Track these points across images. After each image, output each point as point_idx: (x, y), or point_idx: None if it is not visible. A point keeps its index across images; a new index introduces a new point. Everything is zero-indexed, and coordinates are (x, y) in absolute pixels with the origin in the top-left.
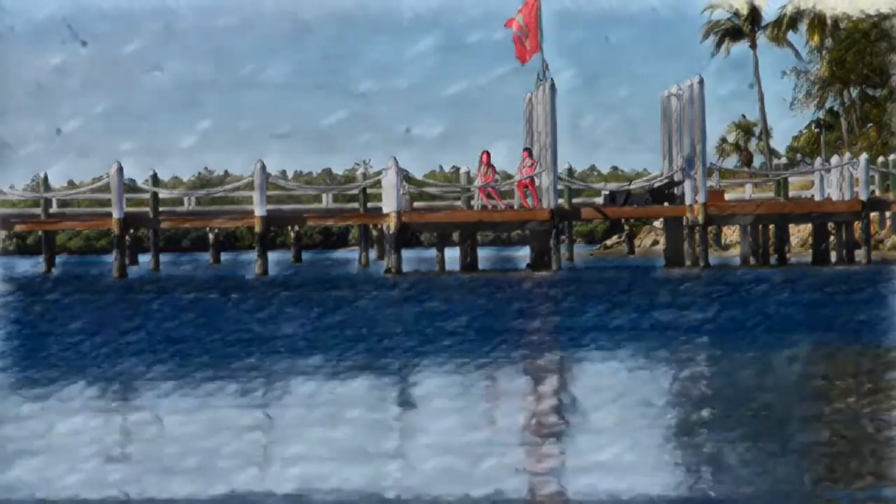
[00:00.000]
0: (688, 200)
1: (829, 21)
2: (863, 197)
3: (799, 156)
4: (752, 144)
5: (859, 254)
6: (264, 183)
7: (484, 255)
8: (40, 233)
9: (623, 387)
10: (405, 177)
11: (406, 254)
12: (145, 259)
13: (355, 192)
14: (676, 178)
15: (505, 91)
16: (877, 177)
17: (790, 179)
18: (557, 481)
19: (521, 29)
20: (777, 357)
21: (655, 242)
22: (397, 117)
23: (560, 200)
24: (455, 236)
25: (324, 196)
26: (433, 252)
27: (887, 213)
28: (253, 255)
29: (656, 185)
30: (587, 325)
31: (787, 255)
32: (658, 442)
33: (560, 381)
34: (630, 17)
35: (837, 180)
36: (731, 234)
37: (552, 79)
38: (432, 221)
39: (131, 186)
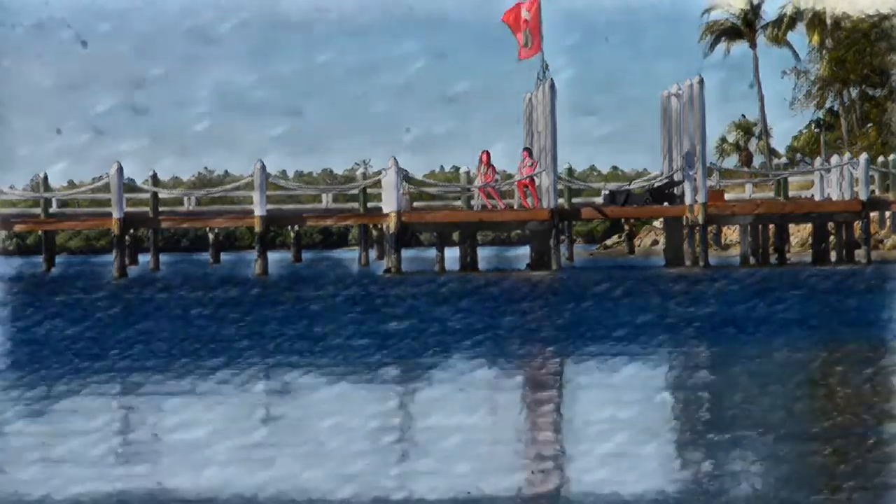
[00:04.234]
0: (688, 200)
1: (829, 21)
2: (863, 197)
3: (799, 156)
4: (752, 144)
5: (859, 253)
6: (264, 183)
7: (484, 255)
8: (40, 233)
9: (623, 387)
10: (405, 177)
11: (406, 254)
12: (145, 259)
13: (355, 192)
14: (676, 177)
15: (505, 91)
16: (877, 177)
17: (790, 179)
18: (559, 482)
19: (525, 25)
20: (776, 356)
21: (655, 242)
22: (397, 117)
23: (560, 200)
24: (455, 236)
25: (324, 196)
26: (433, 252)
27: (887, 213)
28: (253, 255)
29: (656, 184)
30: (587, 324)
31: (787, 255)
32: (657, 442)
33: (560, 382)
34: (630, 16)
35: (837, 180)
36: (731, 233)
37: (552, 79)
38: (432, 221)
39: (131, 186)
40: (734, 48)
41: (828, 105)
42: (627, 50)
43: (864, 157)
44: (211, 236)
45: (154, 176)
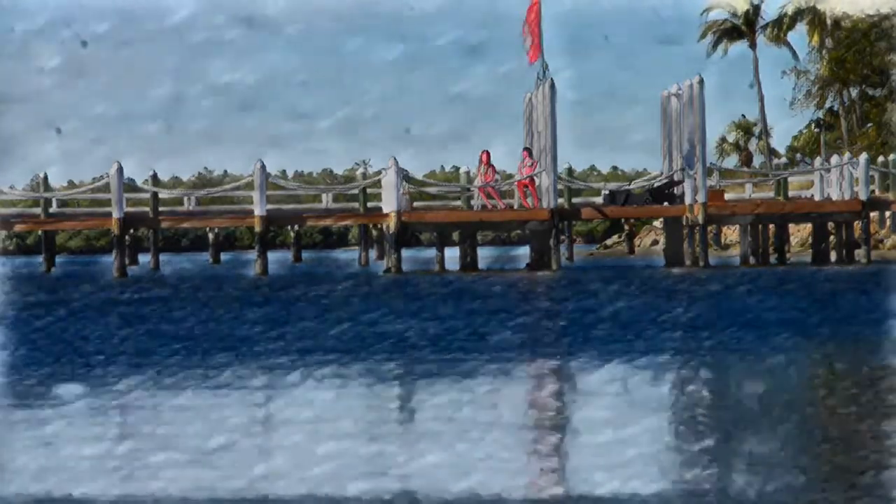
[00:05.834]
0: (688, 200)
1: (829, 21)
2: (863, 197)
3: (799, 156)
4: (752, 144)
5: (859, 253)
6: (264, 183)
7: (484, 254)
8: (40, 233)
9: (624, 388)
10: (405, 177)
11: (406, 253)
12: (145, 259)
13: (355, 192)
14: (676, 177)
15: (505, 91)
16: (877, 177)
17: (790, 179)
18: (561, 483)
19: (531, 31)
20: (776, 356)
21: (655, 242)
22: (397, 117)
23: (560, 200)
24: (455, 236)
25: (324, 196)
26: (433, 252)
27: (887, 213)
28: (253, 255)
29: (656, 184)
30: (587, 325)
31: (787, 255)
32: (657, 444)
33: (561, 383)
34: (630, 16)
35: (837, 180)
36: (731, 233)
37: (552, 79)
38: (432, 221)
39: (131, 186)
40: (734, 48)
41: (828, 105)
42: (627, 49)
43: (864, 157)
44: (211, 236)
45: (154, 176)
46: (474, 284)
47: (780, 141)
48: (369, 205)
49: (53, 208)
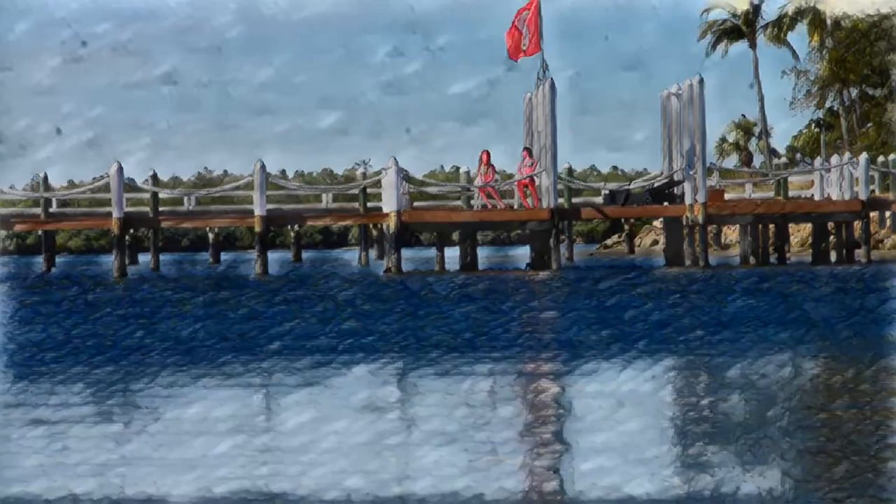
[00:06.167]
0: (688, 200)
1: (829, 21)
2: (863, 197)
3: (799, 156)
4: (752, 144)
5: (859, 253)
6: (264, 183)
7: (484, 254)
8: (40, 232)
9: (622, 388)
10: (405, 177)
11: (406, 253)
12: (145, 259)
13: (355, 192)
14: (676, 177)
15: (505, 91)
16: (877, 176)
17: (790, 179)
18: (560, 483)
19: (519, 30)
20: (775, 357)
21: (655, 242)
22: (398, 117)
23: (560, 200)
24: (455, 236)
25: (324, 196)
26: (433, 252)
27: (887, 213)
28: (253, 255)
29: (656, 184)
30: (586, 324)
31: (787, 255)
32: (656, 444)
33: (560, 383)
34: (630, 17)
35: (837, 180)
36: (731, 233)
37: (552, 78)
38: (432, 221)
39: (131, 186)
40: (734, 48)
41: (828, 105)
42: (628, 49)
43: (864, 157)
44: (211, 236)
45: (154, 176)
46: (474, 284)
47: (780, 141)
48: (369, 205)
49: (53, 208)
